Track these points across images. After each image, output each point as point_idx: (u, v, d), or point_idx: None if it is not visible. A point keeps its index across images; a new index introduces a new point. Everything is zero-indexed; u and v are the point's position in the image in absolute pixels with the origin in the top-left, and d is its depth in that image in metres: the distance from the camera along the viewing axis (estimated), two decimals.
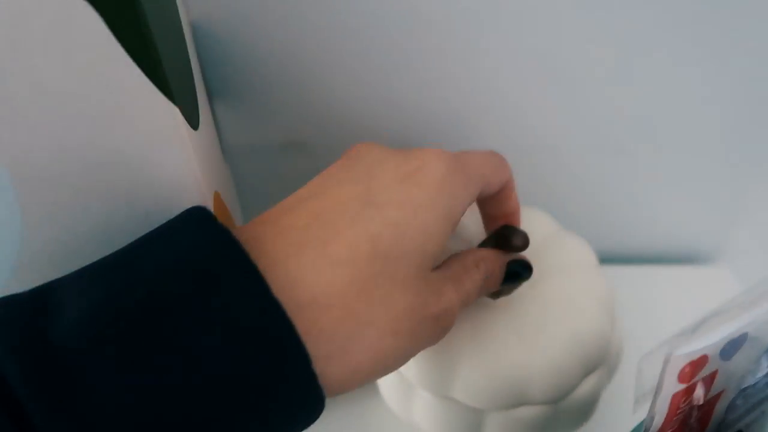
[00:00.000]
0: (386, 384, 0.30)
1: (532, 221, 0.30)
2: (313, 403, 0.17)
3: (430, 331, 0.19)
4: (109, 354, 0.14)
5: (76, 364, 0.14)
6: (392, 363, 0.19)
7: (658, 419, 0.19)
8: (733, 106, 0.36)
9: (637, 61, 0.34)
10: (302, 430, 0.18)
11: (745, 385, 0.22)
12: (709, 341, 0.17)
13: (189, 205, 0.20)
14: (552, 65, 0.33)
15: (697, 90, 0.35)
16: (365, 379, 0.18)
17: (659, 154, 0.39)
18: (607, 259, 0.43)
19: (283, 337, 0.16)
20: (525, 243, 0.25)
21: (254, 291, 0.16)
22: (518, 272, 0.25)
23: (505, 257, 0.25)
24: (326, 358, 0.17)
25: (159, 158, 0.19)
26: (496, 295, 0.27)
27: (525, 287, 0.27)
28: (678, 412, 0.19)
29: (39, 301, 0.15)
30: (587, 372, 0.26)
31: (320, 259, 0.17)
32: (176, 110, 0.19)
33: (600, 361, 0.27)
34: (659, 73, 0.34)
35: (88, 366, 0.14)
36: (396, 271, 0.18)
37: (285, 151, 0.36)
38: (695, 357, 0.18)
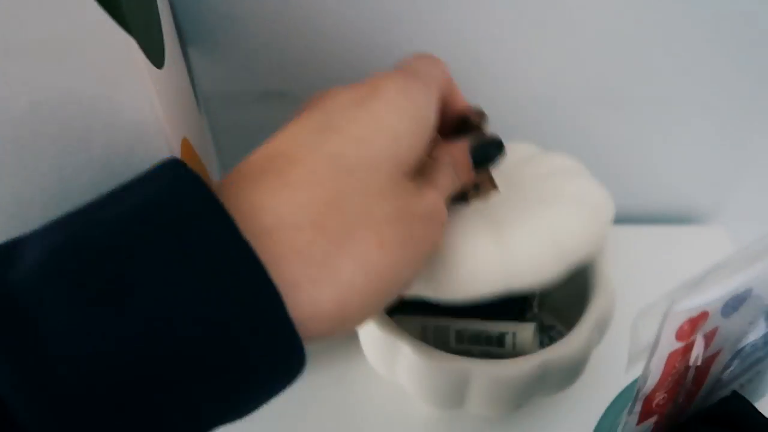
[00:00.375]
0: (370, 344, 0.29)
1: (514, 149, 0.28)
2: (291, 350, 0.16)
3: (421, 234, 0.19)
4: (63, 290, 0.14)
5: (28, 302, 0.14)
6: (391, 277, 0.18)
7: (652, 379, 0.18)
8: (735, 66, 0.35)
9: (639, 16, 0.32)
10: (287, 381, 0.17)
11: (742, 345, 0.21)
12: (711, 297, 0.16)
13: (152, 149, 0.19)
14: (551, 14, 0.32)
15: (699, 50, 0.34)
16: (365, 298, 0.17)
17: (657, 110, 0.37)
18: None
19: (250, 269, 0.15)
20: (482, 115, 0.24)
21: (218, 225, 0.15)
22: (486, 152, 0.23)
23: (465, 141, 0.23)
24: (313, 281, 0.16)
25: (115, 96, 0.17)
26: (472, 197, 0.25)
27: (504, 192, 0.25)
28: (673, 371, 0.18)
29: (1, 253, 0.15)
30: (569, 264, 0.24)
31: (280, 185, 0.17)
32: (132, 42, 0.17)
33: (584, 258, 0.24)
34: (660, 30, 0.33)
35: (42, 303, 0.14)
36: (368, 184, 0.18)
37: (265, 100, 0.34)
38: (695, 314, 0.17)
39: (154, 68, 0.19)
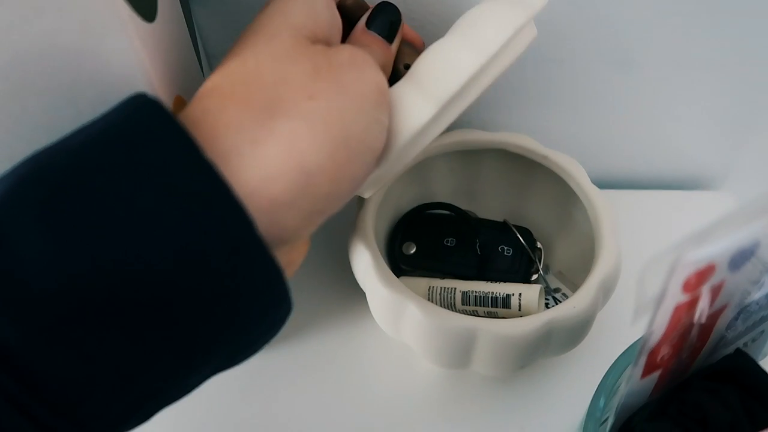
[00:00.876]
0: (377, 304, 0.29)
1: None
2: (242, 224, 0.16)
3: (351, 78, 0.20)
4: (30, 214, 0.15)
5: None
6: (338, 119, 0.19)
7: (658, 332, 0.18)
8: (746, 29, 0.34)
9: None
10: (258, 284, 0.17)
11: (746, 303, 0.21)
12: (718, 249, 0.16)
13: None
14: None
15: (709, 12, 0.33)
16: (319, 145, 0.18)
17: (665, 74, 0.36)
18: (609, 183, 0.42)
19: (189, 155, 0.16)
20: None
21: (169, 134, 0.16)
22: (383, 19, 0.24)
23: (359, 25, 0.24)
24: (252, 143, 0.17)
25: (100, 48, 0.17)
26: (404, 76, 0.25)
27: None
28: (679, 325, 0.18)
29: None
30: (488, 54, 0.23)
31: (206, 92, 0.19)
32: None
33: (503, 43, 0.23)
34: None
35: (10, 226, 0.14)
36: (273, 51, 0.19)
37: None
38: (702, 266, 0.16)
39: (142, 21, 0.18)
